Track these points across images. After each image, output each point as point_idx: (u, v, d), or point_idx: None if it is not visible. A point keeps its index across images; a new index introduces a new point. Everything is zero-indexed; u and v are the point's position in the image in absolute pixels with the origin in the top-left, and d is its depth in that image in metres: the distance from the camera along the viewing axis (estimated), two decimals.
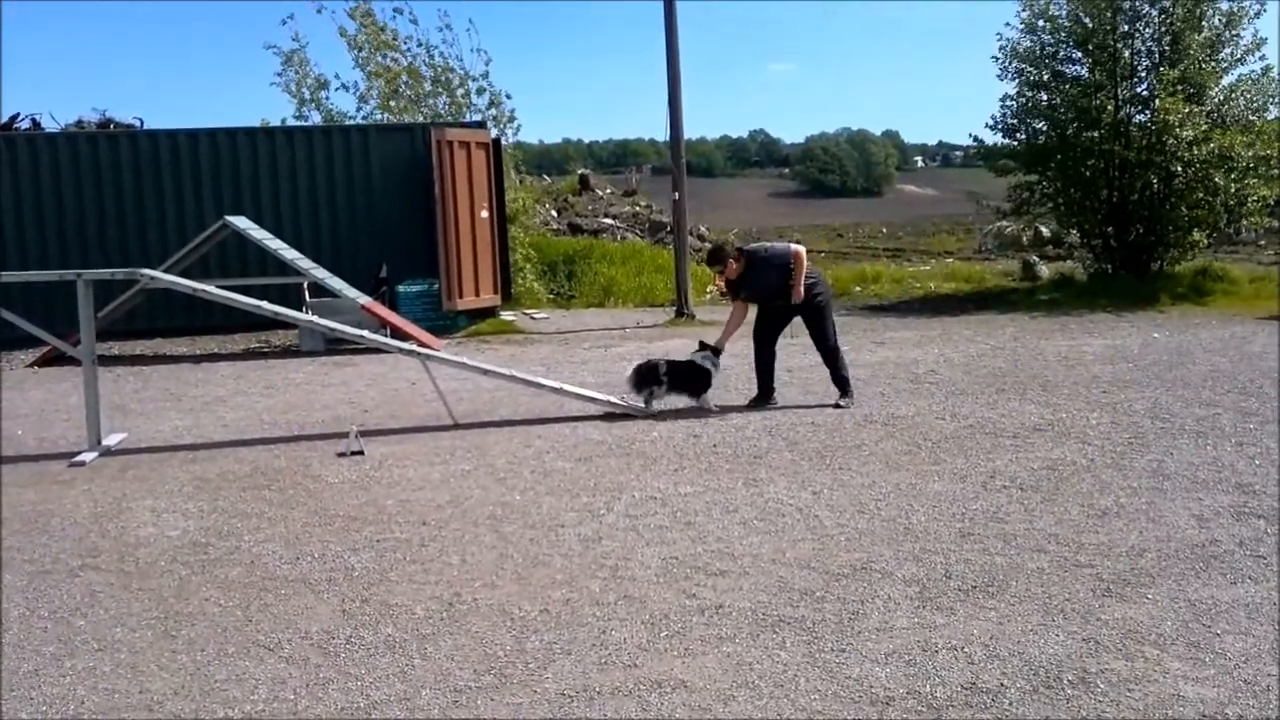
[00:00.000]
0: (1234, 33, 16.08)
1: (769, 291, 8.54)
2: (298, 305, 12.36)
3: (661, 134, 16.10)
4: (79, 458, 7.39)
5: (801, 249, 8.54)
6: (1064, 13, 16.50)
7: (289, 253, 12.78)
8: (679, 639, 4.09)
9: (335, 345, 12.54)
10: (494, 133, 16.58)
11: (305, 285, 13.12)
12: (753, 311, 8.80)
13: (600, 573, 4.84)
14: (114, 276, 9.19)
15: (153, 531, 5.72)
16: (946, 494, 5.92)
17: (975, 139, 17.97)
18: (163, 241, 14.27)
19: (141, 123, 17.46)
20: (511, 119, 18.81)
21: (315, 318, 9.75)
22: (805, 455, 6.91)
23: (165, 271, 10.28)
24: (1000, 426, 7.56)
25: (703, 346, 8.53)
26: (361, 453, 7.27)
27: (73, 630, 4.39)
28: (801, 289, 8.38)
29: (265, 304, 8.55)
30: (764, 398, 8.63)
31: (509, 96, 18.72)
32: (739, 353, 10.87)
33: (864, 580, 4.63)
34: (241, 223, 12.88)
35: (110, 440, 7.87)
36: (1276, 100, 16.14)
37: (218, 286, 9.26)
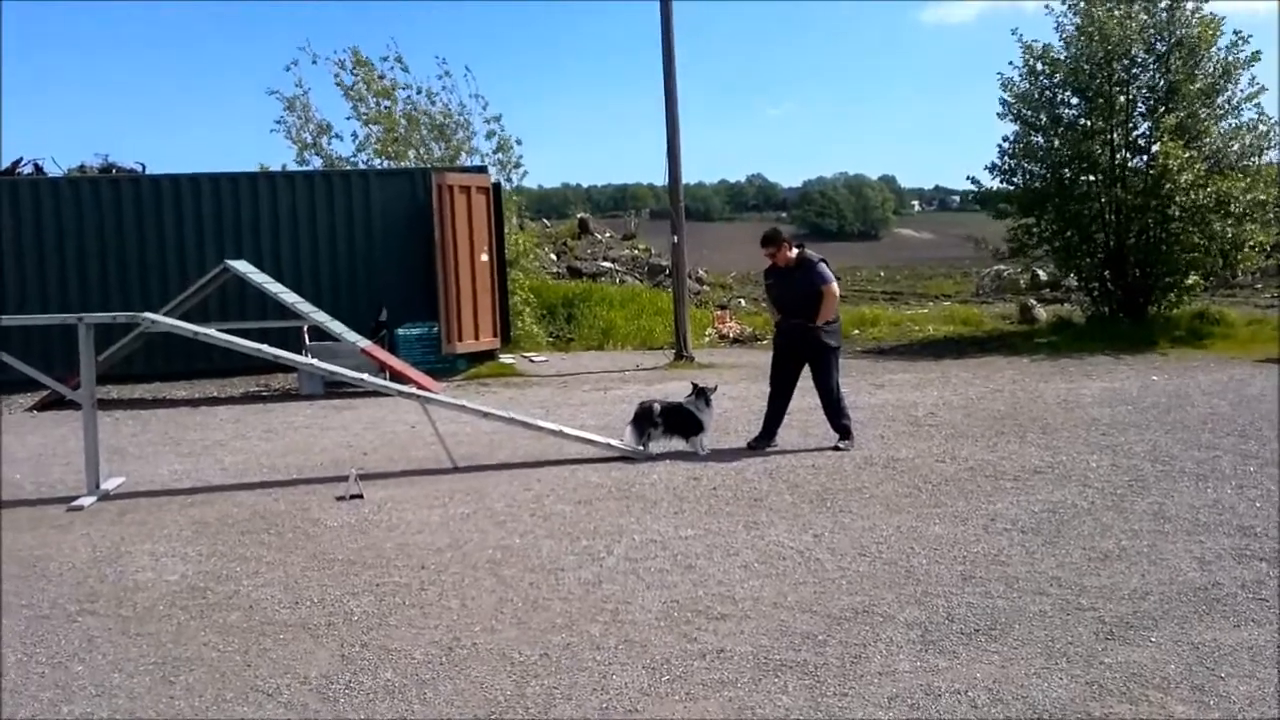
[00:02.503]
0: (1230, 81, 16.26)
1: (794, 301, 8.54)
2: (297, 349, 12.38)
3: (660, 178, 16.30)
4: (77, 502, 7.37)
5: (836, 291, 8.52)
6: (1063, 57, 16.70)
7: (289, 296, 12.82)
8: (680, 683, 4.07)
9: (335, 388, 12.54)
10: (500, 177, 16.70)
11: (305, 329, 13.15)
12: (768, 355, 8.78)
13: (601, 616, 4.81)
14: (115, 320, 9.21)
15: (151, 576, 5.69)
16: (948, 536, 5.91)
17: (973, 181, 18.10)
18: (163, 285, 14.32)
19: (143, 168, 17.59)
20: (519, 164, 18.94)
21: (315, 361, 9.76)
22: (806, 498, 6.90)
23: (166, 315, 10.30)
24: (1001, 469, 7.55)
25: (695, 390, 8.52)
26: (361, 496, 7.25)
27: (70, 675, 4.36)
28: (826, 315, 8.44)
29: (265, 347, 8.56)
30: (766, 438, 8.62)
31: (519, 142, 18.84)
32: (738, 395, 10.89)
33: (866, 623, 4.61)
34: (242, 266, 12.93)
35: (109, 484, 7.85)
36: (1273, 146, 16.29)
37: (218, 330, 9.28)
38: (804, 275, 8.52)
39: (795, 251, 8.62)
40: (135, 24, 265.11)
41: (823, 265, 8.57)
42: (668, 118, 15.50)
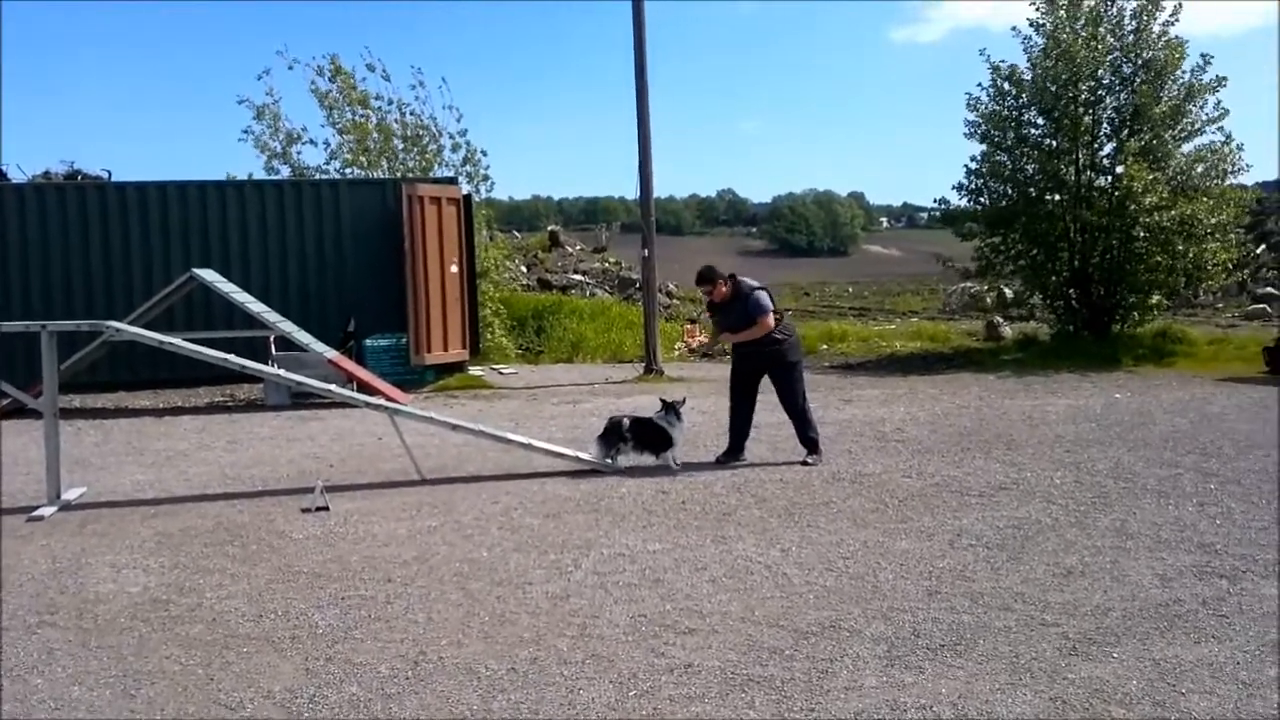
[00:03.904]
0: (1195, 104, 16.51)
1: (736, 329, 8.63)
2: (264, 359, 12.29)
3: (631, 191, 16.29)
4: (38, 512, 7.26)
5: (769, 324, 8.51)
6: (1029, 78, 16.90)
7: (255, 305, 12.74)
8: (648, 698, 4.06)
9: (301, 399, 12.46)
10: (468, 189, 16.70)
11: (272, 339, 13.05)
12: (727, 368, 8.87)
13: (568, 631, 4.80)
14: (79, 328, 9.11)
15: (112, 588, 5.62)
16: (914, 552, 5.94)
17: (941, 202, 18.27)
18: (128, 294, 14.18)
19: (110, 175, 17.46)
20: (486, 176, 18.99)
21: (281, 371, 9.70)
22: (774, 512, 6.92)
23: (131, 324, 10.19)
24: (966, 485, 7.61)
25: (664, 405, 8.53)
26: (327, 508, 7.20)
27: (29, 689, 4.29)
28: (740, 336, 8.56)
29: (231, 357, 8.49)
30: (734, 452, 8.64)
31: (485, 153, 18.93)
32: (708, 409, 10.92)
33: (833, 639, 4.62)
34: (209, 275, 12.84)
35: (70, 494, 7.75)
36: (1235, 170, 16.55)
37: (183, 339, 9.20)
38: (741, 306, 8.59)
39: (729, 286, 8.67)
40: (104, 27, 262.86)
41: (759, 294, 8.60)
42: (639, 132, 15.56)
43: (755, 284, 8.74)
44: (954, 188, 17.63)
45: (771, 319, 8.54)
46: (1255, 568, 5.52)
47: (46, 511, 7.28)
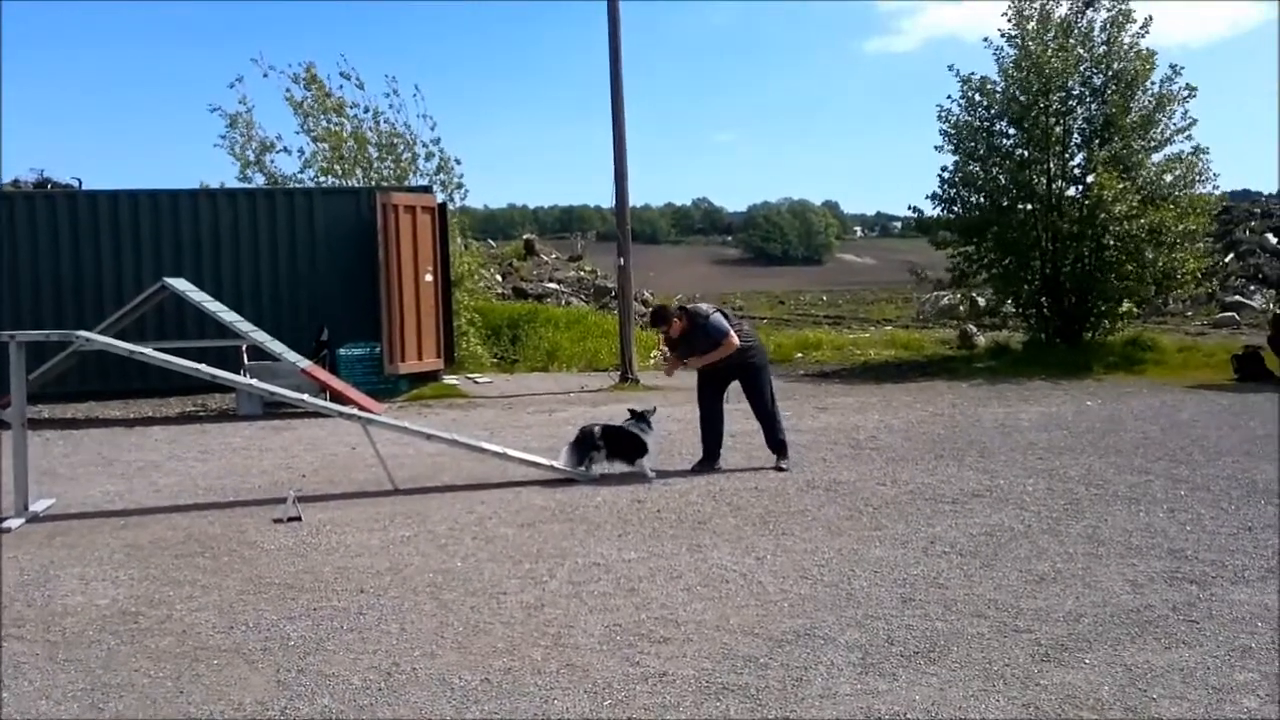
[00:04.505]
0: (1164, 114, 16.70)
1: (704, 354, 8.66)
2: (236, 368, 12.20)
3: (607, 200, 16.42)
4: (4, 524, 7.16)
5: (734, 343, 8.53)
6: (1000, 88, 17.05)
7: (228, 315, 12.65)
8: (623, 708, 4.05)
9: (274, 409, 12.38)
10: (441, 197, 16.66)
11: (244, 348, 12.96)
12: (695, 376, 8.90)
13: (543, 641, 4.78)
14: (48, 338, 9.02)
15: (81, 600, 5.55)
16: (888, 559, 5.96)
17: (914, 210, 18.39)
18: (99, 303, 14.06)
19: (80, 183, 17.32)
20: (460, 185, 18.94)
21: (253, 381, 9.63)
22: (748, 520, 6.93)
23: (101, 333, 10.10)
24: (940, 492, 7.65)
25: (633, 414, 8.53)
26: (299, 519, 7.15)
27: None
28: (708, 359, 8.59)
29: (203, 366, 8.42)
30: (708, 461, 8.66)
31: (459, 162, 18.87)
32: (684, 418, 10.91)
33: (807, 646, 4.63)
34: (180, 284, 12.74)
35: (38, 506, 7.65)
36: (1203, 178, 16.75)
37: (154, 349, 9.12)
38: (701, 334, 8.62)
39: (684, 319, 8.71)
40: (74, 31, 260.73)
41: (715, 318, 8.62)
42: (615, 141, 15.58)
43: (708, 308, 8.81)
44: (928, 197, 17.76)
45: (735, 337, 8.57)
46: (1225, 573, 5.57)
47: (14, 524, 7.19)
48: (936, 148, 17.52)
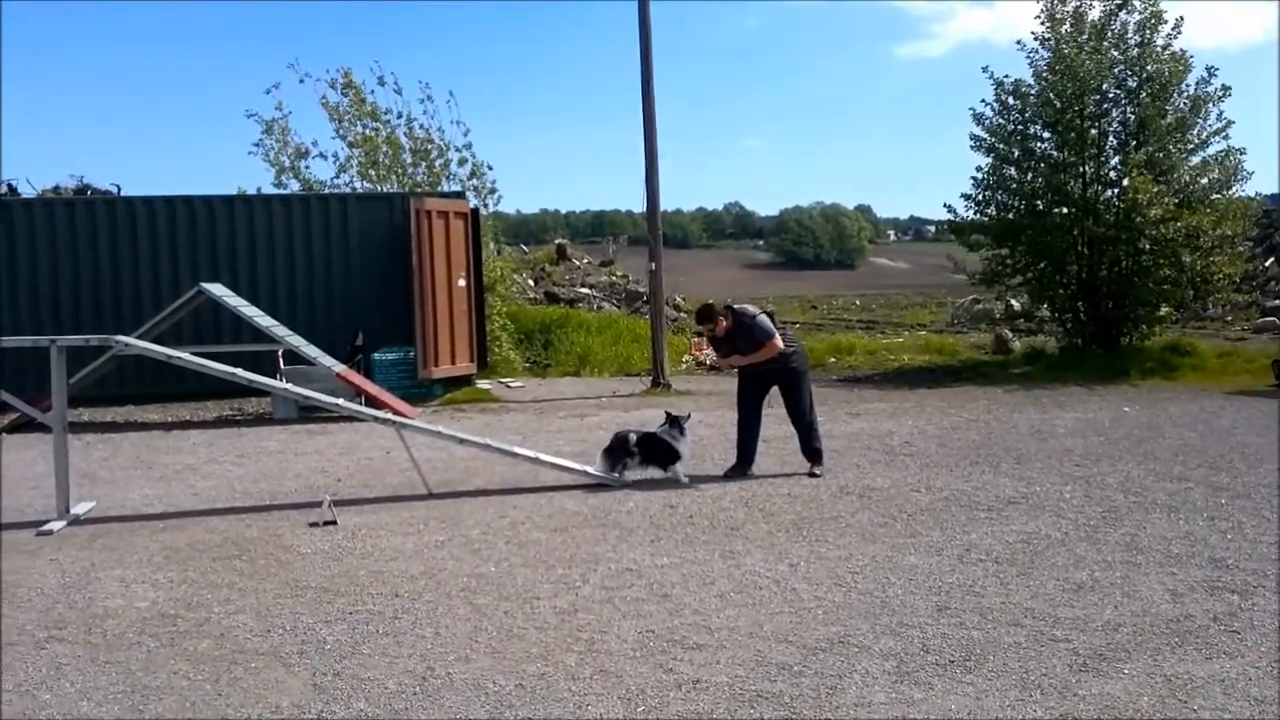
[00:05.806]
0: (1200, 116, 16.50)
1: (746, 354, 8.65)
2: (272, 373, 12.30)
3: (638, 205, 16.34)
4: (47, 526, 7.27)
5: (778, 345, 8.54)
6: (1034, 91, 16.90)
7: (264, 320, 12.76)
8: (656, 714, 4.05)
9: (309, 413, 12.48)
10: (474, 203, 16.74)
11: (279, 352, 13.07)
12: (734, 382, 8.89)
13: (576, 646, 4.79)
14: (88, 343, 9.14)
15: (121, 603, 5.62)
16: (923, 567, 5.92)
17: (949, 209, 18.19)
18: (137, 308, 14.22)
19: (119, 189, 17.53)
20: (493, 190, 19.03)
21: (289, 385, 9.72)
22: (782, 527, 6.90)
23: (139, 338, 10.22)
24: (975, 499, 7.59)
25: (669, 419, 8.53)
26: (334, 522, 7.20)
27: (38, 704, 4.29)
28: (751, 359, 8.57)
29: (239, 371, 8.51)
30: (742, 466, 8.64)
31: (490, 168, 18.96)
32: (715, 423, 10.90)
33: (841, 654, 4.61)
34: (217, 290, 12.87)
35: (79, 509, 7.76)
36: (1239, 180, 16.53)
37: (191, 353, 9.22)
38: (745, 335, 8.61)
39: (730, 319, 8.69)
40: (114, 41, 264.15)
41: (761, 319, 8.60)
42: (646, 145, 15.58)
43: (754, 310, 8.79)
44: (961, 197, 17.59)
45: (779, 340, 8.56)
46: (1267, 583, 5.49)
47: (55, 526, 7.29)
48: (971, 147, 17.38)
